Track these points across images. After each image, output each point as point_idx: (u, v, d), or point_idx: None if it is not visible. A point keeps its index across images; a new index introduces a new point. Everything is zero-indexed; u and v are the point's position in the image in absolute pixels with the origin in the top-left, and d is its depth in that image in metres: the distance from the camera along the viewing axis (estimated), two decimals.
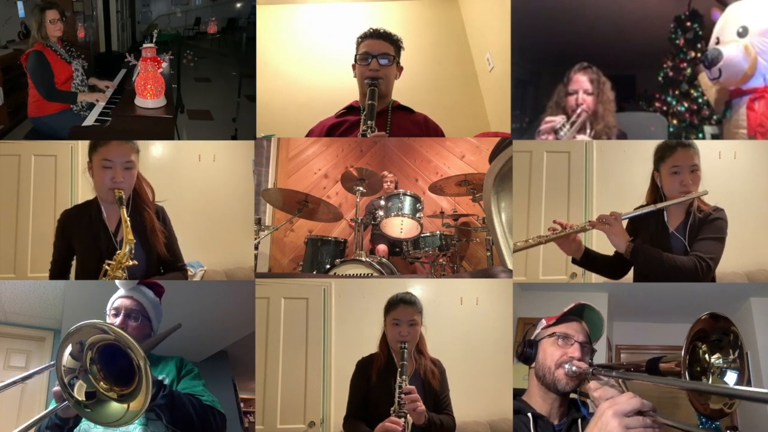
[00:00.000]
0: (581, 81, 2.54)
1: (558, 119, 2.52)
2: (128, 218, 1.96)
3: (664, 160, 2.15)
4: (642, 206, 2.18)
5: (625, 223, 2.16)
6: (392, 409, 1.95)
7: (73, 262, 2.13)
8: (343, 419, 2.19)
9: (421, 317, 2.19)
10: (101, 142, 2.01)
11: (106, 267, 1.99)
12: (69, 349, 1.54)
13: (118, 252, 1.99)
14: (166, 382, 1.89)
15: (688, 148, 2.14)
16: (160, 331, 2.04)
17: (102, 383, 1.56)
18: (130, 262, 1.98)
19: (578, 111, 2.50)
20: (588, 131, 2.54)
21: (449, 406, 2.19)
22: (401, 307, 2.17)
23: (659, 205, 2.11)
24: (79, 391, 1.55)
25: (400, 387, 1.96)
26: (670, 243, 2.13)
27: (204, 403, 1.84)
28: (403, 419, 1.91)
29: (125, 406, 1.53)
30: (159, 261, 2.15)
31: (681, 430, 1.28)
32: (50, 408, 1.67)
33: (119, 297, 2.00)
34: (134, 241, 1.98)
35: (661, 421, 1.23)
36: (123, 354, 1.51)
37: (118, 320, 1.95)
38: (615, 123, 2.57)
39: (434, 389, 2.15)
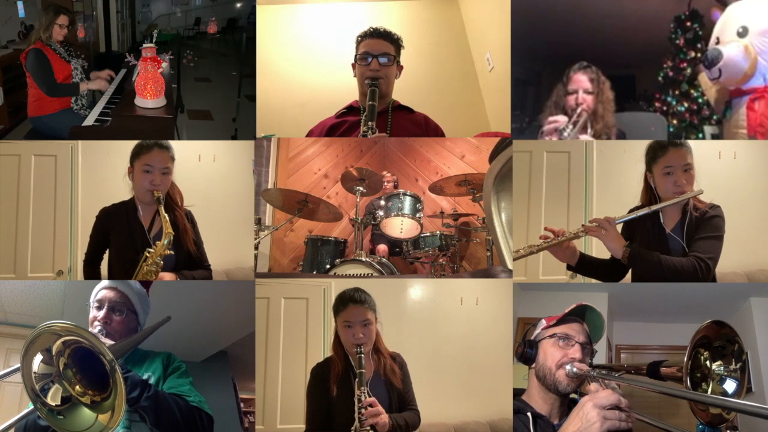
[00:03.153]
0: (581, 80, 2.53)
1: (561, 119, 2.50)
2: (165, 215, 2.16)
3: (656, 161, 2.12)
4: (636, 209, 2.15)
5: (620, 226, 2.13)
6: (353, 427, 1.83)
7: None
8: None
9: (375, 314, 2.03)
10: (144, 150, 2.21)
11: (147, 254, 2.15)
12: (39, 357, 1.46)
13: (157, 242, 2.17)
14: (152, 380, 1.81)
15: (680, 147, 2.10)
16: (148, 324, 1.98)
17: (77, 386, 1.49)
18: (169, 251, 2.16)
19: (578, 111, 2.49)
20: (588, 131, 2.53)
21: (413, 399, 2.08)
22: (351, 308, 2.00)
23: (653, 207, 2.07)
24: (54, 396, 1.47)
25: (360, 400, 1.84)
26: (667, 244, 2.11)
27: (190, 405, 1.76)
28: None
29: (94, 415, 1.46)
30: (187, 258, 2.29)
31: (656, 427, 1.39)
32: (24, 412, 1.61)
33: (102, 288, 1.94)
34: (173, 233, 2.16)
35: (635, 416, 1.36)
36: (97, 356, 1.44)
37: (101, 314, 1.88)
38: (614, 123, 2.56)
39: (397, 387, 2.02)
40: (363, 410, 1.83)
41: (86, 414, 1.47)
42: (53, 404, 1.47)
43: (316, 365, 2.10)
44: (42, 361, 1.47)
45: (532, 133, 2.71)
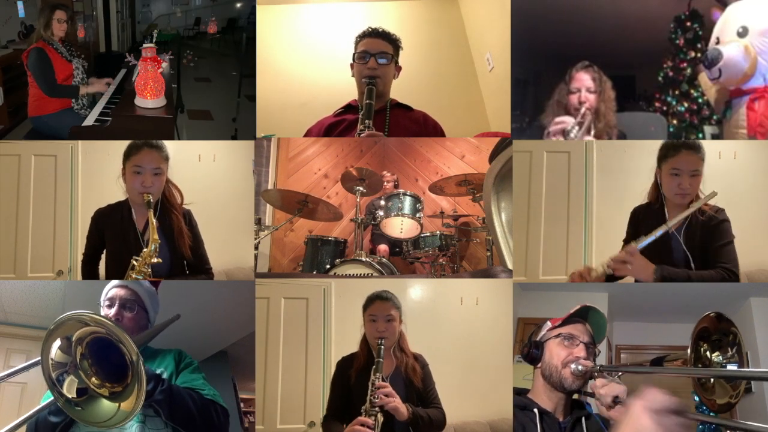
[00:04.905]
0: (583, 79, 2.55)
1: (568, 120, 2.50)
2: (155, 220, 2.13)
3: (666, 160, 2.16)
4: (654, 231, 2.10)
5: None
6: (363, 407, 1.92)
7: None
8: (322, 419, 2.19)
9: (399, 313, 2.19)
10: (134, 150, 2.17)
11: (134, 262, 2.13)
12: (57, 343, 1.47)
13: (144, 250, 2.13)
14: (165, 376, 1.83)
15: (693, 152, 2.12)
16: (158, 322, 2.00)
17: (93, 378, 1.50)
18: (155, 260, 2.13)
19: (582, 111, 2.49)
20: (591, 131, 2.54)
21: (436, 398, 2.16)
22: (377, 303, 2.17)
23: (670, 225, 2.05)
24: (70, 388, 1.48)
25: (374, 384, 1.95)
26: (670, 243, 2.14)
27: (205, 398, 1.78)
28: (373, 417, 1.88)
29: (116, 405, 1.47)
30: (183, 262, 2.27)
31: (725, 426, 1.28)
32: (40, 405, 1.62)
33: (113, 287, 1.97)
34: (159, 241, 2.12)
35: (691, 417, 1.16)
36: (116, 348, 1.45)
37: (112, 311, 1.91)
38: (615, 122, 2.57)
39: (417, 386, 2.12)
40: (376, 391, 1.93)
41: (106, 405, 1.49)
42: (69, 396, 1.49)
43: (342, 358, 2.23)
44: (59, 348, 1.48)
45: (534, 133, 2.70)
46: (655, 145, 2.23)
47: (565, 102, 2.57)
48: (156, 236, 2.11)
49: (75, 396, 1.49)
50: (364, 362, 2.12)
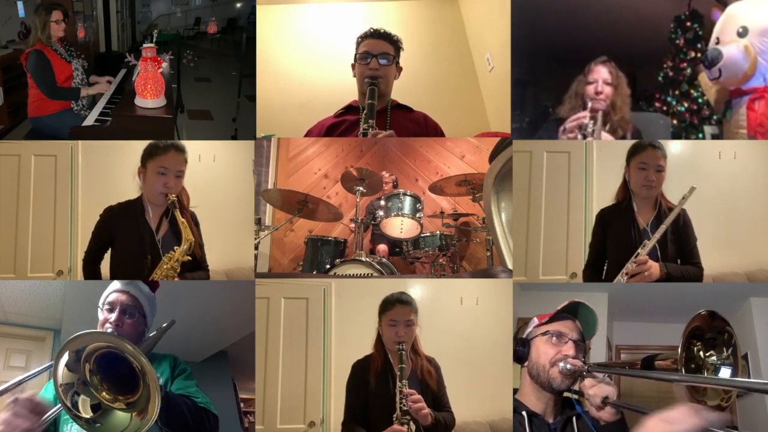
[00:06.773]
0: (601, 71, 2.61)
1: (584, 114, 2.54)
2: (183, 220, 2.16)
3: (635, 157, 2.32)
4: (655, 234, 2.22)
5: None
6: (394, 415, 1.92)
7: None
8: (341, 424, 2.17)
9: (417, 317, 2.17)
10: (159, 151, 2.18)
11: (166, 259, 2.16)
12: (65, 359, 1.47)
13: (175, 248, 2.16)
14: (161, 382, 1.81)
15: (657, 149, 2.31)
16: (153, 327, 2.00)
17: (105, 394, 1.50)
18: (187, 257, 2.17)
19: (591, 106, 2.54)
20: (606, 126, 2.58)
21: (447, 402, 2.19)
22: (398, 308, 2.14)
23: (668, 222, 2.16)
24: (84, 408, 1.49)
25: (401, 391, 1.94)
26: (641, 238, 2.25)
27: (199, 405, 1.81)
28: (406, 425, 1.89)
29: (130, 414, 1.48)
30: (192, 260, 2.27)
31: None
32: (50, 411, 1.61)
33: (114, 291, 1.96)
34: (192, 239, 2.16)
35: None
36: (122, 360, 1.47)
37: (113, 316, 1.91)
38: (630, 118, 2.64)
39: (432, 388, 2.14)
40: (404, 399, 1.93)
41: (120, 416, 1.50)
42: (87, 416, 1.49)
43: (357, 361, 2.21)
44: (66, 365, 1.48)
45: (551, 126, 2.73)
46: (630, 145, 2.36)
47: (582, 92, 2.62)
48: (190, 236, 2.14)
49: (93, 414, 1.49)
50: (381, 365, 2.12)
